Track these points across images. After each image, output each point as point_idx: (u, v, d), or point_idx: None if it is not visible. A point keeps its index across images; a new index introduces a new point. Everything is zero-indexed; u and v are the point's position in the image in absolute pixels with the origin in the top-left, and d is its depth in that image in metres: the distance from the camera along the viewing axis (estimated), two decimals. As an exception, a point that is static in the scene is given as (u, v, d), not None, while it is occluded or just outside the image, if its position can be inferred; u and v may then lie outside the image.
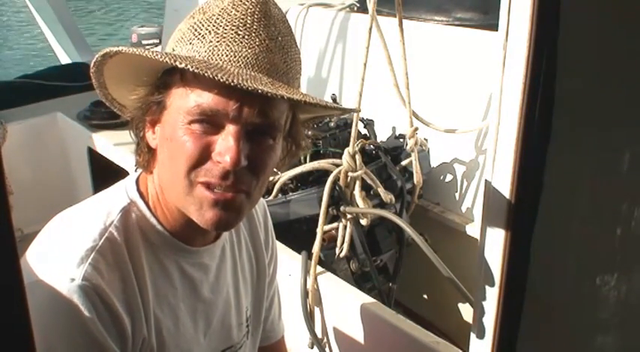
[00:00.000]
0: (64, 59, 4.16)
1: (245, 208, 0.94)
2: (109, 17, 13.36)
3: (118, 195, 1.00)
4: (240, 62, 0.88)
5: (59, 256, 0.91)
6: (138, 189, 1.00)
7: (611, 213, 0.63)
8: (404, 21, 1.93)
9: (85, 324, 0.86)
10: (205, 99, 0.87)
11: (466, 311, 2.21)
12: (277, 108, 0.90)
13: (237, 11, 0.89)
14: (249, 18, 0.89)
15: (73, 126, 2.81)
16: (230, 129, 0.87)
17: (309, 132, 1.09)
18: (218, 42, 0.88)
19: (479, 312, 0.77)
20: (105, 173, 2.59)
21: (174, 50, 0.93)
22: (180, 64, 0.83)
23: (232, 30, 0.88)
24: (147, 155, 0.98)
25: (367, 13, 1.74)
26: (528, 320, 0.72)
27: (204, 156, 0.88)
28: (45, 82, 3.21)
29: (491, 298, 0.75)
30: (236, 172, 0.88)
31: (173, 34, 0.95)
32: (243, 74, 0.85)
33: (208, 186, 0.89)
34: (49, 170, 2.92)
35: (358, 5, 2.77)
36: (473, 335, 0.80)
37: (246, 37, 0.88)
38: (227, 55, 0.88)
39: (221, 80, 0.81)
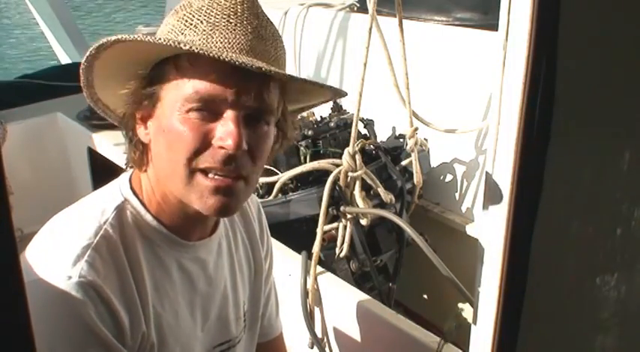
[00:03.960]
0: (64, 59, 4.16)
1: (244, 194, 0.96)
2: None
3: (112, 194, 1.00)
4: (235, 48, 0.90)
5: (56, 255, 0.91)
6: (131, 187, 1.01)
7: (611, 213, 0.63)
8: (404, 21, 1.93)
9: (84, 321, 0.87)
10: (203, 86, 0.89)
11: (466, 311, 2.21)
12: (272, 92, 0.93)
13: (227, 1, 0.92)
14: (239, 7, 0.92)
15: (73, 126, 2.81)
16: (229, 114, 0.89)
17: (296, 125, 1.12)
18: (211, 30, 0.90)
19: (479, 312, 0.77)
20: (105, 173, 2.57)
21: None
22: (185, 46, 0.84)
23: (224, 19, 0.91)
24: (140, 152, 0.99)
25: (367, 13, 1.73)
26: (528, 320, 0.72)
27: (204, 143, 0.90)
28: (45, 82, 3.21)
29: (491, 298, 0.75)
30: (237, 157, 0.90)
31: (160, 29, 0.97)
32: (240, 58, 0.87)
33: (208, 173, 0.91)
34: (49, 170, 2.92)
35: (358, 5, 2.77)
36: (473, 335, 0.80)
37: (238, 24, 0.91)
38: (221, 43, 0.90)
39: (226, 59, 0.84)
